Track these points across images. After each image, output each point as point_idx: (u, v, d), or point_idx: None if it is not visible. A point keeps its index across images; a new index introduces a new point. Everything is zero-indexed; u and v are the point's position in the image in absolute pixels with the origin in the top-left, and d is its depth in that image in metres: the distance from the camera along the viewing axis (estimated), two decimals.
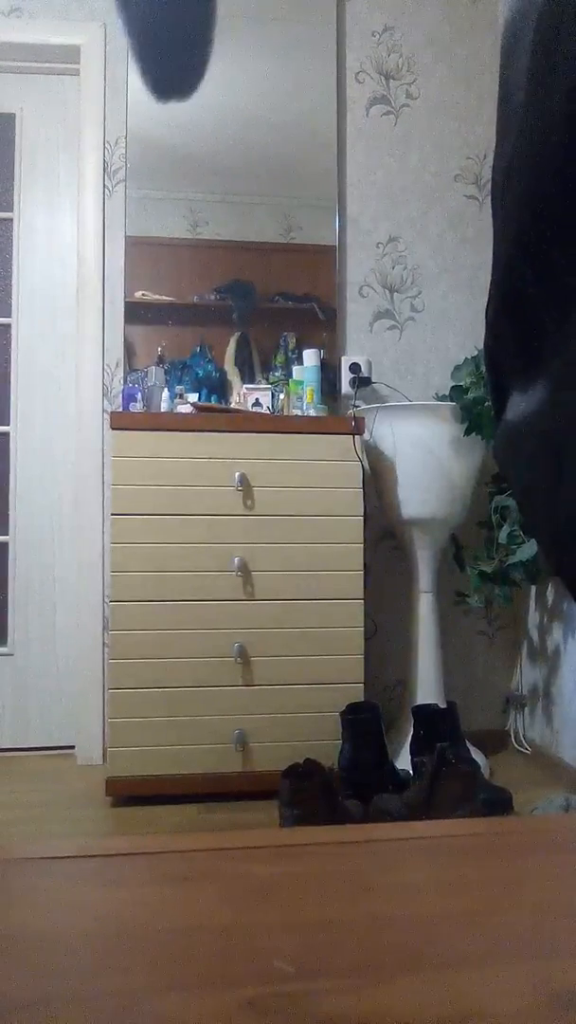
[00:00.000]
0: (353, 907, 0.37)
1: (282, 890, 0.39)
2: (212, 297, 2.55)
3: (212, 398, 2.46)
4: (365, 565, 2.16)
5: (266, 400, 2.34)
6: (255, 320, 2.56)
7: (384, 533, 2.57)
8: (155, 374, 2.34)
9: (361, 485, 2.13)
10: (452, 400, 2.22)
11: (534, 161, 0.37)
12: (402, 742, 2.23)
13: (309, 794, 1.69)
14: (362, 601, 2.12)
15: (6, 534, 2.55)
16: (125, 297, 2.52)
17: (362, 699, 2.09)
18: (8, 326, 2.58)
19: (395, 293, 2.65)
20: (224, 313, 2.55)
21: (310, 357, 2.39)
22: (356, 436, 2.12)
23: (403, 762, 2.17)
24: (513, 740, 2.55)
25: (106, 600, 2.46)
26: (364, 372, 2.52)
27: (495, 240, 0.44)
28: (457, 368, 2.33)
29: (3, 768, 2.37)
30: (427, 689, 2.27)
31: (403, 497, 2.24)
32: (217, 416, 2.13)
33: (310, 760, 1.76)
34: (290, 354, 2.55)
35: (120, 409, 2.41)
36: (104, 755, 2.43)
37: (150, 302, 2.52)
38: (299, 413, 2.37)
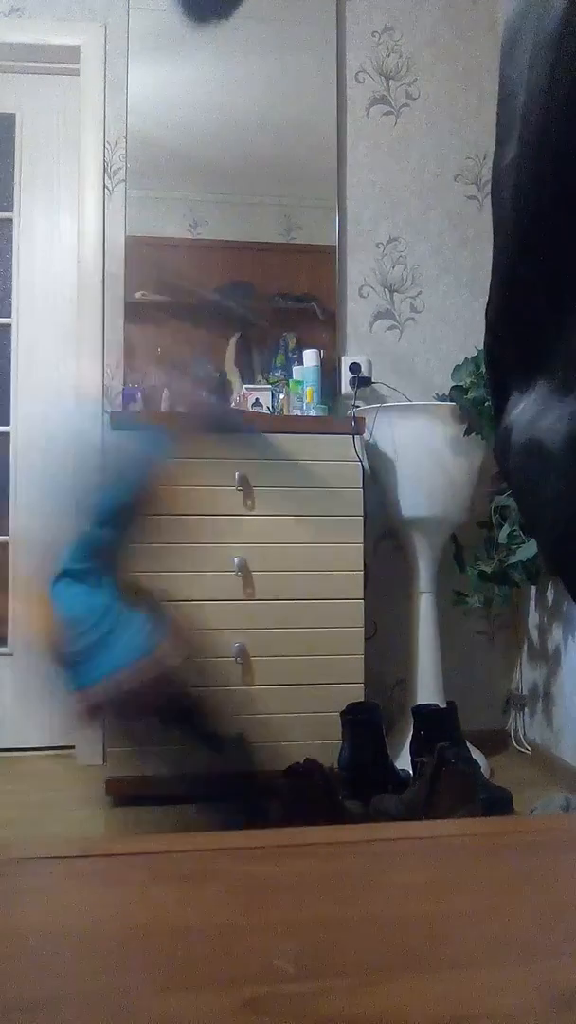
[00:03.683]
0: (353, 907, 0.37)
1: (282, 890, 0.39)
2: (212, 297, 2.55)
3: (212, 398, 2.46)
4: (365, 565, 2.16)
5: (266, 400, 2.34)
6: (255, 320, 2.56)
7: (384, 533, 2.57)
8: (155, 374, 2.34)
9: (361, 485, 2.13)
10: (452, 400, 2.22)
11: (535, 160, 0.37)
12: (402, 742, 2.23)
13: (309, 794, 1.69)
14: (362, 601, 2.11)
15: (6, 534, 2.55)
16: (125, 297, 2.51)
17: (362, 699, 2.08)
18: (8, 326, 2.57)
19: (395, 293, 2.65)
20: (224, 313, 2.55)
21: (310, 357, 2.38)
22: (356, 436, 2.11)
23: (403, 762, 2.17)
24: (513, 740, 2.54)
25: None
26: (364, 372, 2.52)
27: (495, 240, 0.44)
28: (457, 368, 2.33)
29: (3, 768, 2.37)
30: (427, 689, 2.27)
31: (403, 497, 2.24)
32: None
33: (310, 760, 1.76)
34: (290, 354, 2.55)
35: (120, 409, 2.41)
36: (104, 755, 2.43)
37: (150, 302, 2.52)
38: (299, 413, 2.37)
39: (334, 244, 2.60)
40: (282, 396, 2.42)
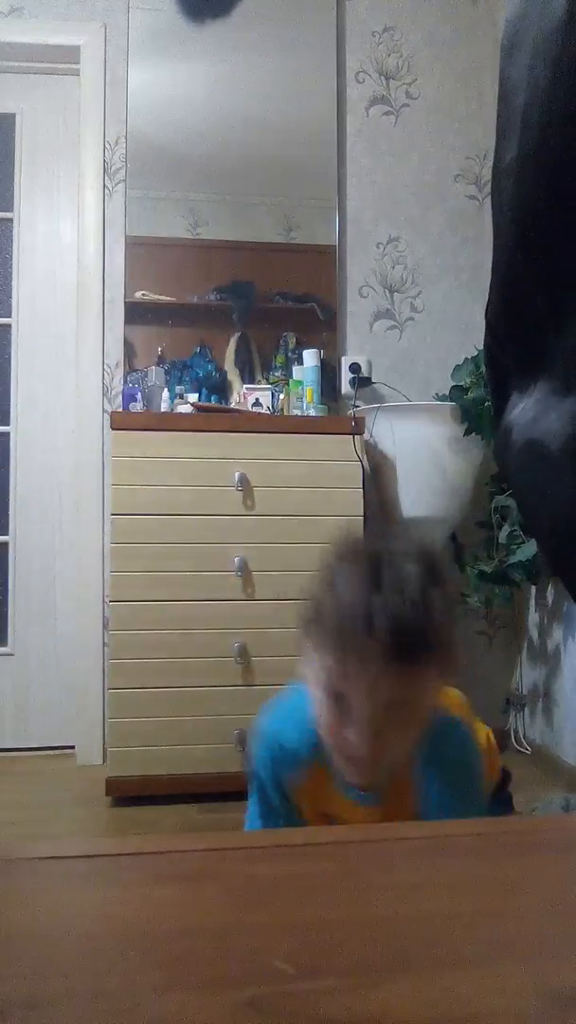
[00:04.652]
0: (353, 907, 0.37)
1: (282, 890, 0.39)
2: (212, 297, 2.55)
3: (212, 398, 2.46)
4: None
5: (266, 400, 2.34)
6: (255, 320, 2.56)
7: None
8: (155, 374, 2.34)
9: (361, 485, 2.13)
10: (452, 400, 2.22)
11: (535, 160, 0.37)
12: None
13: None
14: None
15: (6, 534, 2.55)
16: (125, 297, 2.51)
17: None
18: (8, 326, 2.57)
19: (395, 293, 2.65)
20: (224, 313, 2.55)
21: (310, 357, 2.38)
22: (356, 436, 2.11)
23: None
24: (513, 740, 2.54)
25: (106, 600, 2.46)
26: (364, 372, 2.52)
27: (495, 240, 0.44)
28: (457, 368, 2.33)
29: (3, 768, 2.37)
30: None
31: (403, 497, 2.24)
32: (217, 416, 2.14)
33: None
34: (290, 354, 2.55)
35: (120, 409, 2.41)
36: (104, 755, 2.43)
37: (150, 302, 2.52)
38: (299, 413, 2.37)
39: (334, 244, 2.60)
40: (282, 396, 2.42)
